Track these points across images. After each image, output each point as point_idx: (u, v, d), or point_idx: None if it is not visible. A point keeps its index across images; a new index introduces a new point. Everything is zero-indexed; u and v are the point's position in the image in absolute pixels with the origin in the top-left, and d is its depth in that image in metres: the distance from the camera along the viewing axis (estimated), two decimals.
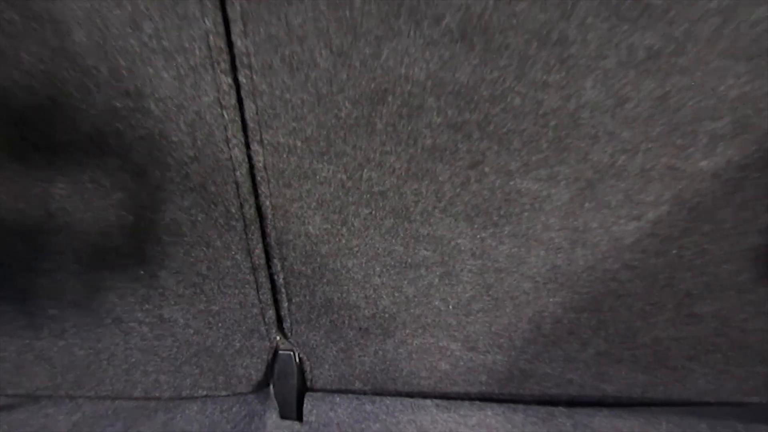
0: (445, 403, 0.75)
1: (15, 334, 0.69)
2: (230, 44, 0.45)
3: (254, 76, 0.46)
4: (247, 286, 0.64)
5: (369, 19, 0.43)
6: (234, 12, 0.43)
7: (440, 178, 0.53)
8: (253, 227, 0.58)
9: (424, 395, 0.75)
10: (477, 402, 0.75)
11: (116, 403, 0.77)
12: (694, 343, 0.69)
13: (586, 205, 0.55)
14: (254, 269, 0.62)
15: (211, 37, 0.44)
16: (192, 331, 0.69)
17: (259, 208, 0.57)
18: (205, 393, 0.76)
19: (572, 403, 0.75)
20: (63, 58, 0.45)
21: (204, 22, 0.43)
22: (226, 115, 0.49)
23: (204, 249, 0.60)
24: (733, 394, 0.75)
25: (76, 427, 0.73)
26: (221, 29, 0.44)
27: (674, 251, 0.59)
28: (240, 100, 0.48)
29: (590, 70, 0.45)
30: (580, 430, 0.71)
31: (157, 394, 0.77)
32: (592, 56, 0.44)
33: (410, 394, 0.76)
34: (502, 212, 0.56)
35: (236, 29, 0.44)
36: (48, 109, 0.48)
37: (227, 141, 0.51)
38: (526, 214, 0.56)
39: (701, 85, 0.46)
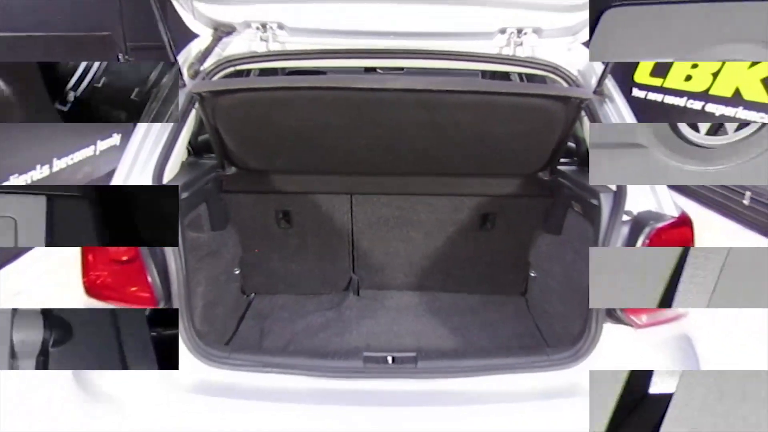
0: (400, 290, 2.56)
1: (277, 273, 2.47)
2: (352, 224, 2.27)
3: (356, 229, 2.28)
4: (346, 259, 2.45)
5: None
6: (355, 226, 2.26)
7: (394, 231, 2.35)
8: (350, 246, 2.40)
9: (394, 288, 2.57)
10: (410, 290, 2.57)
11: (299, 296, 2.55)
12: (461, 274, 2.50)
13: (431, 238, 2.36)
14: (349, 254, 2.43)
15: (346, 219, 2.26)
16: (330, 272, 2.49)
17: (352, 241, 2.38)
18: (329, 291, 2.56)
19: (438, 290, 2.56)
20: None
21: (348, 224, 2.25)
22: (346, 224, 2.30)
23: (338, 252, 2.40)
24: (480, 291, 2.56)
25: (287, 304, 2.50)
26: (350, 216, 2.25)
27: (453, 251, 2.40)
28: (352, 229, 2.30)
29: (422, 209, 2.27)
30: (436, 299, 2.51)
31: (310, 292, 2.55)
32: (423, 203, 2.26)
33: (389, 288, 2.57)
34: (409, 239, 2.37)
35: (355, 218, 2.25)
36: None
37: (346, 230, 2.32)
38: (415, 240, 2.38)
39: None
